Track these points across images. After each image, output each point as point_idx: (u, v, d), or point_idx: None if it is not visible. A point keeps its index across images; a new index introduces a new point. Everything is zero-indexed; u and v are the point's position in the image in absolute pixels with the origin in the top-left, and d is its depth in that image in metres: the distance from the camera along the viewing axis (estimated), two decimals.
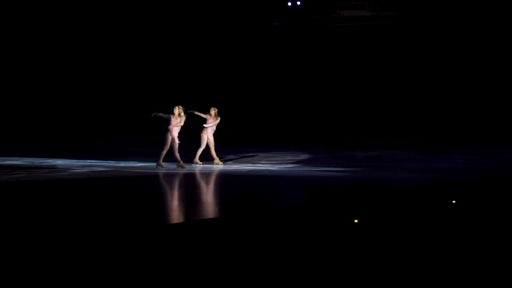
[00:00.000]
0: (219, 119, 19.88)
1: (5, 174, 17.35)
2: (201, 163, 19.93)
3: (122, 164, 20.05)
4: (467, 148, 26.17)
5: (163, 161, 18.80)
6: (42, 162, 20.22)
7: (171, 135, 18.58)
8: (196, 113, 19.75)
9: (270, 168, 19.25)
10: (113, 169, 18.93)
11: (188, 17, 31.68)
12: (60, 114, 30.93)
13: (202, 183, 17.15)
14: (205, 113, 19.89)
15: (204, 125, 19.85)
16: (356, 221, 10.39)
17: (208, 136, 19.81)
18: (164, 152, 18.65)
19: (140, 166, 19.68)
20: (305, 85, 32.43)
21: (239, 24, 31.87)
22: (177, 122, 18.63)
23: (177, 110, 18.70)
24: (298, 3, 30.15)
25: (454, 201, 12.61)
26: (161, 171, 18.35)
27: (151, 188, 15.60)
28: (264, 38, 32.37)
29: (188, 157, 19.40)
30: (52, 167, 19.05)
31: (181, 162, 18.75)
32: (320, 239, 9.30)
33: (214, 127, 19.96)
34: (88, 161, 20.60)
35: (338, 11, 30.41)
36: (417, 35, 30.74)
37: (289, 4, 30.45)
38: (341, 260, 8.15)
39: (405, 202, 12.99)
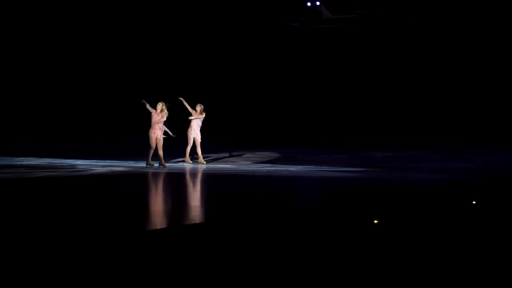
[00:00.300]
0: (203, 115, 20.16)
1: (27, 174, 17.47)
2: (191, 162, 20.23)
3: (141, 164, 20.14)
4: (486, 148, 26.07)
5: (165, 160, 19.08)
6: (61, 163, 20.32)
7: (154, 133, 18.80)
8: (184, 102, 20.08)
9: (289, 169, 19.26)
10: (132, 169, 19.02)
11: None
12: (80, 114, 31.06)
13: (229, 184, 17.09)
14: (192, 108, 20.21)
15: (190, 118, 20.11)
16: (375, 221, 10.40)
17: (194, 134, 20.12)
18: (151, 151, 18.90)
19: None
20: (322, 85, 32.39)
21: (255, 24, 31.92)
22: (158, 118, 18.81)
23: (160, 106, 18.88)
24: (318, 3, 30.12)
25: (474, 202, 12.58)
26: (163, 170, 18.52)
27: (167, 189, 15.67)
28: (283, 38, 32.38)
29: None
30: (72, 168, 19.15)
31: (150, 161, 18.98)
32: (339, 240, 9.31)
33: (200, 124, 20.23)
34: (108, 161, 20.68)
35: (357, 12, 30.40)
36: (437, 33, 30.63)
37: (309, 4, 30.41)
38: (360, 261, 8.16)
39: (425, 203, 12.97)
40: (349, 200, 13.40)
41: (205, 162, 20.30)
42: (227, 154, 23.67)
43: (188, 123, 20.30)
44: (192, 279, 7.39)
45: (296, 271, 7.70)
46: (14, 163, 20.21)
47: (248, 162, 21.06)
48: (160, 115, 18.84)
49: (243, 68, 33.10)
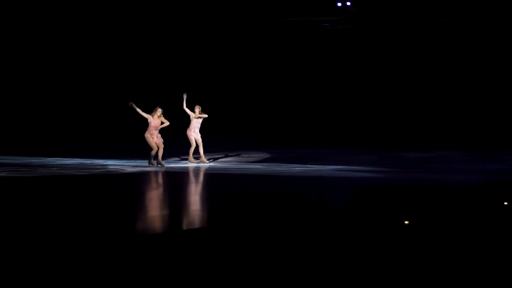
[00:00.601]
0: (203, 116, 20.46)
1: (62, 173, 17.66)
2: (195, 162, 20.48)
3: (173, 165, 20.29)
4: None
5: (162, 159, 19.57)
6: (93, 163, 20.48)
7: (152, 136, 19.23)
8: (185, 106, 20.35)
9: (320, 169, 19.26)
10: (164, 169, 19.14)
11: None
12: (114, 114, 31.21)
13: (264, 183, 17.11)
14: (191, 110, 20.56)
15: (198, 116, 20.40)
16: (406, 222, 10.37)
17: (194, 134, 20.39)
18: (154, 152, 19.36)
19: (189, 166, 19.91)
20: (351, 85, 32.27)
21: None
22: (155, 123, 19.24)
23: (159, 111, 19.32)
24: (348, 3, 30.04)
25: (506, 203, 12.49)
26: (161, 169, 18.92)
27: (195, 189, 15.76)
28: (315, 39, 32.33)
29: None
30: (103, 167, 19.30)
31: (152, 160, 19.44)
32: (370, 240, 9.29)
33: (199, 126, 20.48)
34: (139, 161, 20.82)
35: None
36: (471, 32, 30.42)
37: (339, 4, 30.33)
38: (391, 262, 8.14)
39: (456, 203, 12.90)
40: (379, 200, 13.37)
41: (207, 162, 20.59)
42: (263, 154, 23.75)
43: (187, 125, 20.57)
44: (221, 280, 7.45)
45: (330, 271, 7.71)
46: (47, 162, 20.43)
47: (279, 163, 21.07)
48: (158, 120, 19.28)
49: (267, 68, 33.10)
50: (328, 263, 8.03)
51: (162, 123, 19.39)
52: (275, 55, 32.94)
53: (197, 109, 20.49)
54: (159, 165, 19.37)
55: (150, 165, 19.40)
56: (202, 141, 20.48)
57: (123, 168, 19.21)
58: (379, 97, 31.78)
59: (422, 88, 31.22)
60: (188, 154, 20.63)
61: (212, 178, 18.12)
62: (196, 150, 20.53)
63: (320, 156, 23.41)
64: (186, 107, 20.40)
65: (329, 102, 32.39)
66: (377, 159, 22.37)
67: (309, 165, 20.27)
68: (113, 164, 20.09)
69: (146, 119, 19.44)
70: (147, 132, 19.35)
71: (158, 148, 19.31)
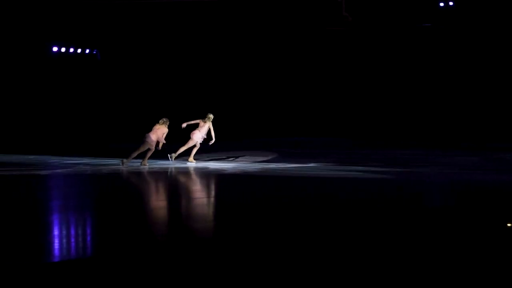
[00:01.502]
0: (208, 125, 20.85)
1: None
2: (194, 161, 20.80)
3: (273, 165, 20.48)
4: None
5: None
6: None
7: (156, 135, 19.73)
8: (191, 123, 20.90)
9: (420, 170, 19.11)
10: (263, 169, 19.39)
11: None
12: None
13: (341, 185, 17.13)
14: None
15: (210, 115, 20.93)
16: (509, 225, 10.24)
17: (200, 137, 20.77)
18: (150, 153, 19.79)
19: (290, 167, 20.09)
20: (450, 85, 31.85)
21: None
22: (161, 129, 19.83)
23: (163, 120, 20.03)
24: (451, 3, 29.61)
25: None
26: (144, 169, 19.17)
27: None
28: (415, 39, 32.00)
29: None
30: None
31: (145, 161, 19.79)
32: (472, 241, 9.23)
33: (204, 135, 20.86)
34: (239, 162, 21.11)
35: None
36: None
37: (441, 4, 29.93)
38: (492, 264, 8.07)
39: None
40: (481, 202, 13.21)
41: (194, 161, 20.86)
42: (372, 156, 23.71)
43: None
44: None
45: (431, 272, 7.72)
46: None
47: (380, 163, 20.98)
48: (162, 127, 19.85)
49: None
50: (431, 264, 8.03)
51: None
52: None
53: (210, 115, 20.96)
54: (142, 165, 19.69)
55: (143, 165, 19.73)
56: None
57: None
58: (478, 98, 31.25)
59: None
60: (188, 154, 20.96)
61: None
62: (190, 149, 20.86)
63: (419, 158, 23.13)
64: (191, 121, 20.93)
65: (427, 103, 32.07)
66: (479, 161, 21.97)
67: (407, 168, 20.03)
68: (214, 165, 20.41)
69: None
70: (151, 133, 19.77)
71: (149, 149, 19.70)
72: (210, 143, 20.85)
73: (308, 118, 33.20)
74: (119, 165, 19.64)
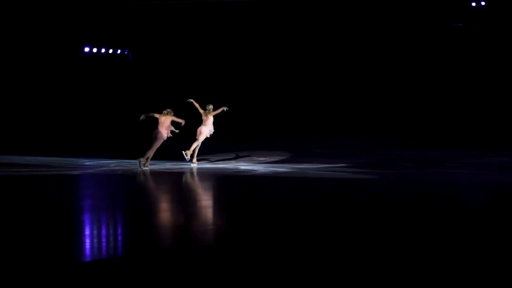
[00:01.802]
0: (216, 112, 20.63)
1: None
2: (196, 162, 20.62)
3: (303, 166, 20.52)
4: None
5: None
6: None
7: (164, 133, 19.57)
8: (195, 103, 20.69)
9: (452, 171, 19.07)
10: (294, 170, 19.42)
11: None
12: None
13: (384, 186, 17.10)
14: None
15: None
16: None
17: (206, 132, 20.53)
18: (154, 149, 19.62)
19: (316, 167, 20.11)
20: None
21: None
22: (163, 119, 19.62)
23: (166, 111, 19.79)
24: (483, 3, 29.44)
25: None
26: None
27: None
28: (448, 39, 31.85)
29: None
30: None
31: (146, 160, 19.51)
32: (504, 243, 9.20)
33: (211, 129, 20.61)
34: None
35: None
36: None
37: (473, 4, 29.77)
38: None
39: None
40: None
41: (196, 163, 20.64)
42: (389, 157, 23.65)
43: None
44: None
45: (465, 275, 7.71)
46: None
47: (412, 164, 20.94)
48: (164, 118, 19.62)
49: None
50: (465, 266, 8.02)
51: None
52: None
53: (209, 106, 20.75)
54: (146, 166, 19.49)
55: (146, 167, 19.43)
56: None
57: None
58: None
59: None
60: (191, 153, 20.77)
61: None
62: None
63: (448, 158, 23.03)
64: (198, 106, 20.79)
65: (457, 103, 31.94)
66: (509, 162, 21.80)
67: (439, 167, 19.98)
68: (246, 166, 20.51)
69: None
70: (161, 132, 19.63)
71: (153, 147, 19.59)
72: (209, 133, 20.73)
73: (337, 118, 33.10)
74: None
